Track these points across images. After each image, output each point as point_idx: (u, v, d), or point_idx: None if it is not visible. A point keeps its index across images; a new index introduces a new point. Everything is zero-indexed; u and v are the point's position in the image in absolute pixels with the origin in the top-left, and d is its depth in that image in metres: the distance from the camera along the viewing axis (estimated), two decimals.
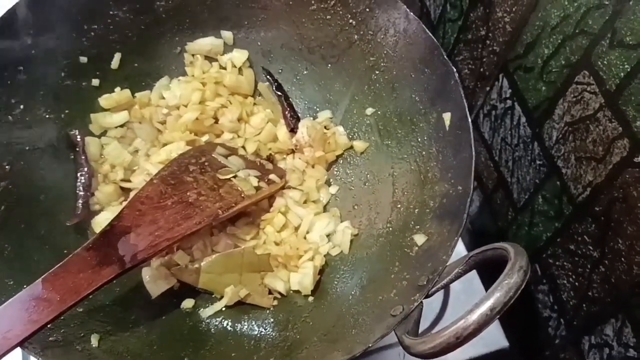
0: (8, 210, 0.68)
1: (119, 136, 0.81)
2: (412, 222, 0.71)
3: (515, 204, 0.84)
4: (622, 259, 0.62)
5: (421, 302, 0.58)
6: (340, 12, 0.80)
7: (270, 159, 0.85)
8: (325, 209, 0.82)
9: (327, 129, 0.85)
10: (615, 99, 0.59)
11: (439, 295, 0.85)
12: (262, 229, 0.78)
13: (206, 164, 0.77)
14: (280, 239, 0.77)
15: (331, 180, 0.85)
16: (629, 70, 0.56)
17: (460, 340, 0.47)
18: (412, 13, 0.73)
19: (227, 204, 0.73)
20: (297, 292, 0.75)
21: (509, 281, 0.48)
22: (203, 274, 0.72)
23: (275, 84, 0.87)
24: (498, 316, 0.47)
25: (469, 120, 0.66)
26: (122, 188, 0.79)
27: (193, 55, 0.87)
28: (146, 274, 0.72)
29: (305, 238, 0.78)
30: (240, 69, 0.87)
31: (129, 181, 0.79)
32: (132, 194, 0.76)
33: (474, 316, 0.47)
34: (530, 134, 0.76)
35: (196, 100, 0.83)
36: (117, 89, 0.82)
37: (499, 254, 0.55)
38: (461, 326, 0.47)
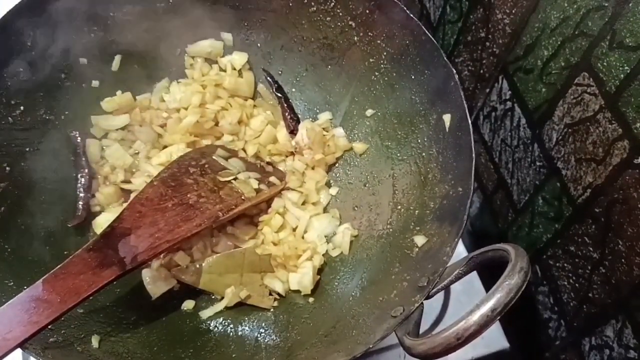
0: (8, 212, 0.69)
1: (120, 138, 0.81)
2: (413, 224, 0.71)
3: (515, 205, 0.84)
4: (622, 260, 0.62)
5: (422, 303, 0.58)
6: (340, 14, 0.80)
7: (270, 163, 0.85)
8: (325, 210, 0.82)
9: (327, 132, 0.85)
10: (615, 101, 0.59)
11: (440, 296, 0.85)
12: (259, 229, 0.78)
13: (206, 166, 0.77)
14: (278, 240, 0.77)
15: (331, 181, 0.85)
16: (628, 71, 0.56)
17: (461, 341, 0.47)
18: (411, 15, 0.73)
19: (227, 206, 0.73)
20: (298, 292, 0.75)
21: (510, 282, 0.48)
22: (204, 274, 0.72)
23: (275, 85, 0.87)
24: (499, 317, 0.47)
25: (469, 121, 0.66)
26: (122, 189, 0.79)
27: (193, 57, 0.87)
28: (146, 275, 0.72)
29: (303, 238, 0.78)
30: (240, 72, 0.88)
31: (130, 182, 0.79)
32: (132, 196, 0.76)
33: (475, 317, 0.47)
34: (530, 136, 0.76)
35: (196, 103, 0.83)
36: (119, 92, 0.82)
37: (500, 255, 0.55)
38: (462, 327, 0.47)
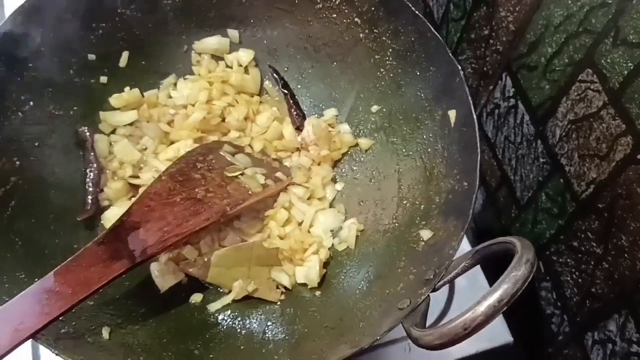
0: (18, 205, 0.69)
1: (128, 134, 0.82)
2: (418, 218, 0.71)
3: (519, 202, 0.84)
4: (626, 256, 0.63)
5: (428, 295, 0.59)
6: (346, 11, 0.81)
7: (276, 159, 0.86)
8: (331, 205, 0.83)
9: (332, 128, 0.85)
10: (618, 97, 0.59)
11: (444, 291, 0.85)
12: (265, 224, 0.79)
13: (213, 161, 0.78)
14: (284, 233, 0.78)
15: (337, 177, 0.85)
16: (632, 68, 0.57)
17: (468, 332, 0.48)
18: (417, 11, 0.74)
19: (234, 201, 0.73)
20: (304, 286, 0.75)
21: (517, 273, 0.49)
22: (212, 267, 0.73)
23: (281, 81, 0.88)
24: (505, 308, 0.48)
25: (474, 117, 0.67)
26: (130, 184, 0.79)
27: (199, 54, 0.88)
28: (155, 268, 0.72)
29: (309, 232, 0.79)
30: (246, 68, 0.88)
31: (138, 177, 0.79)
32: (140, 190, 0.77)
33: (482, 307, 0.48)
34: (534, 132, 0.77)
35: (203, 99, 0.84)
36: (127, 89, 0.82)
37: (505, 247, 0.56)
38: (469, 317, 0.48)
